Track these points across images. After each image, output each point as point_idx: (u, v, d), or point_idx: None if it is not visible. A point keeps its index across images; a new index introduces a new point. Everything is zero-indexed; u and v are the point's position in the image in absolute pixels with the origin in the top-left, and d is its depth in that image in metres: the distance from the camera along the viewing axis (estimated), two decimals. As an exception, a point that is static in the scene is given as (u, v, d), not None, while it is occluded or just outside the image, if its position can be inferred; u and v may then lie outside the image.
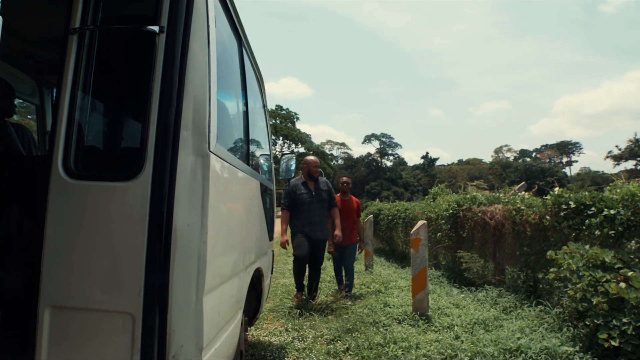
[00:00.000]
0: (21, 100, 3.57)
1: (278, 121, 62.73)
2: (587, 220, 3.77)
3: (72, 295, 1.34)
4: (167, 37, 1.40)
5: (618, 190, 3.72)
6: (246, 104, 2.38)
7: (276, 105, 66.25)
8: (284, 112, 65.85)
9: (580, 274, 3.26)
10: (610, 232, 3.55)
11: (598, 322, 2.98)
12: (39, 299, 1.33)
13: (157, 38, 1.40)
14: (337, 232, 4.95)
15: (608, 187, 3.97)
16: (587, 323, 3.14)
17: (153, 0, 1.44)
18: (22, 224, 1.41)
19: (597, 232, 3.66)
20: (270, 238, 3.11)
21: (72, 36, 1.43)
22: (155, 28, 1.40)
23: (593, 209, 3.78)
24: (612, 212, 3.56)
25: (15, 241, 1.41)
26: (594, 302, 3.03)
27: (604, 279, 3.07)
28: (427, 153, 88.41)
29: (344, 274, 5.52)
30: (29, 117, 3.81)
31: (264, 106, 3.42)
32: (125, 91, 1.72)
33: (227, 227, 1.71)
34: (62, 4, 1.56)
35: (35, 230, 1.29)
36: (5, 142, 2.45)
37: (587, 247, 3.50)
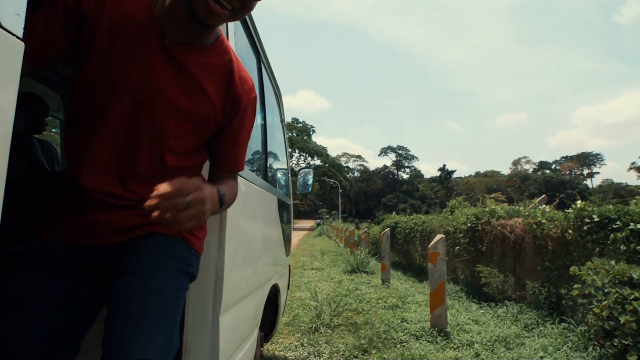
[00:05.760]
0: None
1: (294, 134, 63.20)
2: (612, 235, 3.66)
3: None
4: None
5: (644, 204, 3.61)
6: (264, 119, 2.39)
7: (292, 118, 66.94)
8: (300, 125, 66.38)
9: (606, 290, 3.15)
10: (637, 247, 3.43)
11: (627, 343, 2.86)
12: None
13: None
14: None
15: (634, 200, 3.85)
16: (615, 343, 3.02)
17: None
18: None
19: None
20: (287, 253, 3.10)
21: None
22: None
23: (618, 222, 3.67)
24: (638, 226, 3.45)
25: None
26: (622, 321, 2.91)
27: (632, 296, 2.96)
28: (444, 165, 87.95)
29: None
30: (53, 130, 3.89)
31: (282, 121, 3.43)
32: None
33: (245, 243, 1.70)
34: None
35: None
36: (29, 157, 2.51)
37: (612, 262, 3.38)
